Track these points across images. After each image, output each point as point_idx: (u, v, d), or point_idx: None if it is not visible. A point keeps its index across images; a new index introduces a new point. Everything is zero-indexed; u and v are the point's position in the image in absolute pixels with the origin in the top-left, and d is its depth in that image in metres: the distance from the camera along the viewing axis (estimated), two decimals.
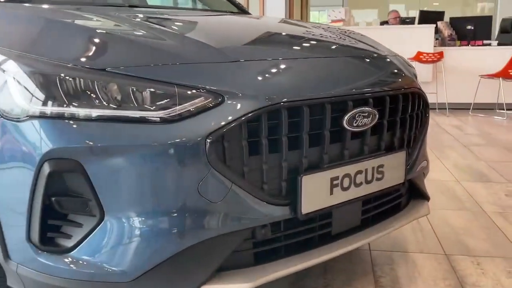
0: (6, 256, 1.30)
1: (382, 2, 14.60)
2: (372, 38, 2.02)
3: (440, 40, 6.68)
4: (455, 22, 6.96)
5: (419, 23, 6.71)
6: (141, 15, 1.81)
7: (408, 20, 7.09)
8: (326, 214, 1.45)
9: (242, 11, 2.76)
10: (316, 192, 1.35)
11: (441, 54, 6.11)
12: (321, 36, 1.85)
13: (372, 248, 2.05)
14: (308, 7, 11.43)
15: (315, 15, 18.55)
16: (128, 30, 1.51)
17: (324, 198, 1.37)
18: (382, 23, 7.26)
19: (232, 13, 2.57)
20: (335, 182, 1.39)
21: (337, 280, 1.79)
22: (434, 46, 6.34)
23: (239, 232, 1.27)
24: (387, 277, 1.82)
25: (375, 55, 1.75)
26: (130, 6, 2.16)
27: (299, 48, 1.66)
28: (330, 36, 1.87)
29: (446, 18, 7.16)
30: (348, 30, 2.12)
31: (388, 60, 1.75)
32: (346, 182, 1.41)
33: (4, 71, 1.27)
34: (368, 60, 1.69)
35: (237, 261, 1.31)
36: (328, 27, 2.16)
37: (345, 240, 1.49)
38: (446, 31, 6.72)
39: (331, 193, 1.38)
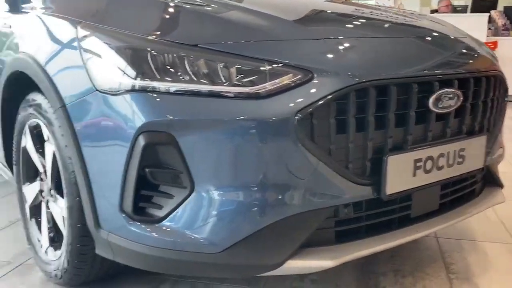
0: (97, 225, 1.36)
1: None
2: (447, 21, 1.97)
3: (494, 29, 6.46)
4: (509, 11, 6.70)
5: (472, 11, 6.49)
6: None
7: (459, 9, 6.87)
8: (406, 196, 1.44)
9: None
10: (400, 173, 1.34)
11: (494, 44, 5.90)
12: (397, 17, 1.82)
13: (438, 235, 2.02)
14: None
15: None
16: (216, 7, 1.52)
17: (407, 180, 1.36)
18: (433, 12, 7.06)
19: None
20: (418, 164, 1.37)
21: (407, 265, 1.78)
22: (487, 36, 6.13)
23: (323, 209, 1.28)
24: (458, 264, 1.79)
25: (458, 37, 1.71)
26: None
27: (381, 27, 1.63)
28: (406, 17, 1.84)
29: (500, 7, 6.91)
30: (419, 13, 2.08)
31: (471, 42, 1.71)
32: (429, 165, 1.39)
33: (99, 46, 1.31)
34: (451, 42, 1.65)
35: (320, 239, 1.32)
36: (398, 10, 2.12)
37: (424, 223, 1.48)
38: (500, 21, 6.49)
39: (414, 175, 1.37)
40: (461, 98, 1.43)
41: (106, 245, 1.36)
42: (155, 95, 1.23)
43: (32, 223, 1.78)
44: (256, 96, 1.21)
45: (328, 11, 1.82)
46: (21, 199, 1.82)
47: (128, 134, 1.24)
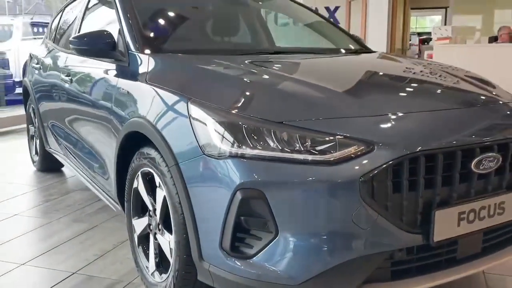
0: (200, 257, 1.74)
1: (487, 7, 13.79)
2: (492, 81, 2.24)
3: None
4: None
5: None
6: (289, 68, 2.21)
7: None
8: (453, 242, 1.72)
9: (364, 47, 3.07)
10: (446, 224, 1.63)
11: None
12: (444, 83, 2.11)
13: (485, 271, 2.26)
14: (409, 15, 11.33)
15: (412, 21, 18.12)
16: (289, 86, 1.90)
17: (452, 229, 1.65)
18: (491, 40, 7.10)
19: (357, 52, 2.90)
20: (462, 216, 1.65)
21: None
22: None
23: (382, 253, 1.60)
24: None
25: (497, 102, 1.98)
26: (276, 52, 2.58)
27: (430, 97, 1.94)
28: (452, 82, 2.13)
29: None
30: (468, 72, 2.36)
31: (509, 106, 1.97)
32: (471, 216, 1.67)
33: (206, 119, 1.71)
34: (492, 108, 1.93)
35: (379, 276, 1.63)
36: (448, 68, 2.41)
37: (468, 264, 1.75)
38: None
39: (458, 225, 1.65)
40: (500, 160, 1.70)
41: (207, 274, 1.73)
42: (249, 160, 1.60)
43: (140, 250, 2.20)
44: (328, 163, 1.55)
45: (380, 75, 2.14)
46: (131, 229, 2.25)
47: (228, 189, 1.61)
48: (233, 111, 1.70)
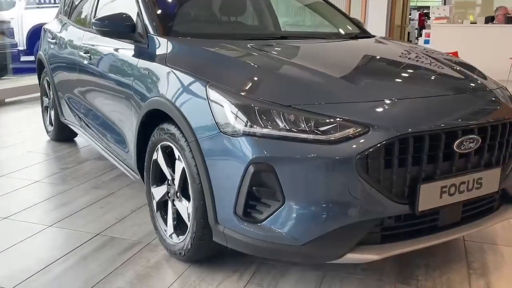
0: (216, 221, 2.00)
1: None
2: (478, 69, 2.47)
3: None
4: None
5: None
6: (294, 52, 2.43)
7: None
8: (435, 212, 1.98)
9: (363, 31, 3.28)
10: (429, 196, 1.89)
11: None
12: (435, 69, 2.35)
13: (466, 239, 2.54)
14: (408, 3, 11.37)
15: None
16: (295, 72, 2.13)
17: (435, 201, 1.91)
18: (488, 20, 7.26)
19: (358, 37, 3.11)
20: (444, 189, 1.91)
21: (436, 261, 2.32)
22: None
23: (373, 220, 1.86)
24: (478, 263, 2.31)
25: (481, 89, 2.22)
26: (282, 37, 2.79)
27: (420, 85, 2.19)
28: (442, 70, 2.36)
29: None
30: (455, 59, 2.59)
31: (492, 93, 2.21)
32: (452, 190, 1.93)
33: (223, 101, 1.94)
34: (474, 95, 2.16)
35: (370, 240, 1.90)
36: (439, 55, 2.63)
37: (448, 231, 2.02)
38: None
39: (440, 197, 1.91)
40: (480, 141, 1.95)
41: (222, 236, 2.00)
42: (260, 138, 1.84)
43: (158, 215, 2.46)
44: (330, 142, 1.79)
45: (377, 62, 2.37)
46: (150, 196, 2.51)
47: (242, 163, 1.86)
48: (247, 94, 1.93)
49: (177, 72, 2.23)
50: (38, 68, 4.53)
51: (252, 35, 3.00)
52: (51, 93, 4.26)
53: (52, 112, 4.32)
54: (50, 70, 4.12)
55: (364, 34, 3.23)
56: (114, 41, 2.86)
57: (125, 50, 2.75)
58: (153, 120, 2.38)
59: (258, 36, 3.02)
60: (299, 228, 1.84)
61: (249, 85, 2.01)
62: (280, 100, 1.89)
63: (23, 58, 10.22)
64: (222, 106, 1.94)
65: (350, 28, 3.27)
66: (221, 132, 1.93)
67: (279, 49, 2.54)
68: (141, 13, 2.68)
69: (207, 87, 2.02)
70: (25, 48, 10.41)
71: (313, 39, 2.98)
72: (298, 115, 1.84)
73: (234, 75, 2.13)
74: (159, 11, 2.72)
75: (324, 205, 1.82)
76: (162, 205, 2.44)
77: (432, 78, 2.31)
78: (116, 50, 2.88)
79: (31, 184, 3.36)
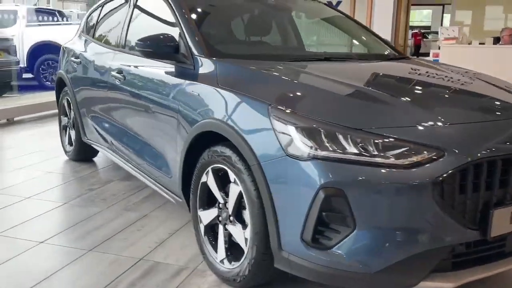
0: (279, 247, 1.95)
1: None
2: None
3: None
4: None
5: None
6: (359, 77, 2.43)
7: None
8: (503, 237, 1.95)
9: (397, 52, 3.28)
10: (501, 221, 1.86)
11: None
12: (491, 92, 2.36)
13: None
14: (409, 9, 11.54)
15: (412, 15, 18.35)
16: (357, 93, 2.10)
17: (506, 226, 1.88)
18: (495, 41, 7.37)
19: (395, 59, 3.11)
20: None
21: (494, 285, 2.28)
22: None
23: (447, 246, 1.82)
24: None
25: None
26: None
27: (485, 109, 2.18)
28: (498, 92, 2.37)
29: None
30: (503, 81, 2.60)
31: None
32: None
33: (287, 124, 1.90)
34: None
35: (442, 267, 1.85)
36: (492, 79, 2.64)
37: None
38: None
39: (511, 222, 1.88)
40: None
41: (286, 262, 1.94)
42: (330, 162, 1.80)
43: (206, 239, 2.39)
44: (404, 167, 1.76)
45: (435, 85, 2.36)
46: (196, 219, 2.44)
47: (312, 188, 1.81)
48: (312, 117, 1.89)
49: (233, 94, 2.19)
50: (57, 87, 4.47)
51: (296, 56, 2.97)
52: (71, 112, 4.19)
53: (73, 132, 4.25)
54: (73, 89, 4.06)
55: (400, 55, 3.24)
56: (152, 61, 2.81)
57: (167, 71, 2.71)
58: (201, 142, 2.34)
59: (302, 57, 3.01)
60: (371, 255, 1.79)
61: (314, 108, 1.98)
62: (349, 123, 1.85)
63: (24, 76, 10.15)
64: (287, 129, 1.90)
65: (386, 49, 3.27)
66: (287, 155, 1.89)
67: (333, 71, 2.51)
68: (184, 33, 2.64)
69: (269, 109, 1.98)
70: (25, 65, 10.35)
71: (357, 60, 2.97)
72: (371, 139, 1.80)
73: (295, 97, 2.09)
74: (202, 32, 2.69)
75: (398, 232, 1.77)
76: (210, 229, 2.38)
77: (496, 102, 2.30)
78: (156, 71, 2.84)
79: (59, 206, 3.27)
